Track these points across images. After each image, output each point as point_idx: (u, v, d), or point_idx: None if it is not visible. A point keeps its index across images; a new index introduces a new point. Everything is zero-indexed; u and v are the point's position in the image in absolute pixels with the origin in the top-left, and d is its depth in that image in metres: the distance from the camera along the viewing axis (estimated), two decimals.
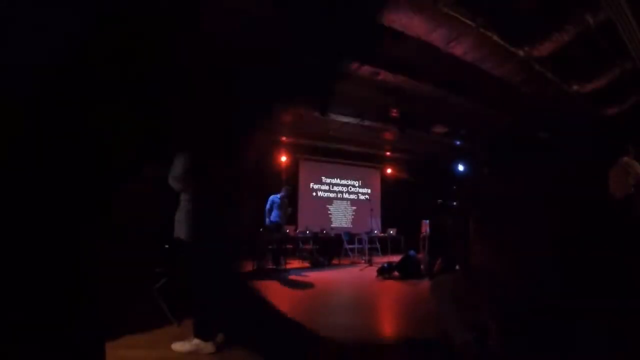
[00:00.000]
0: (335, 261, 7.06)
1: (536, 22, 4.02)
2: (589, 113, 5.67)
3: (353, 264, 7.67)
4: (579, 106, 5.53)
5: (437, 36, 4.18)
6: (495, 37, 4.15)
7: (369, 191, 10.79)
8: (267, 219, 6.60)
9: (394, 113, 7.22)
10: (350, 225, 9.95)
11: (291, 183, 8.96)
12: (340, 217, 10.15)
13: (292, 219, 8.65)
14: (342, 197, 10.26)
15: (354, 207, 10.40)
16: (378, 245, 8.92)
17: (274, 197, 6.72)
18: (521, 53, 4.37)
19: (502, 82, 5.30)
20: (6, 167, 1.10)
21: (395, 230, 8.89)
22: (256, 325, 1.58)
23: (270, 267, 6.28)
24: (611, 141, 5.14)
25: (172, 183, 2.30)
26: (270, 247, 6.36)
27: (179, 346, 2.15)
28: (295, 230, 7.77)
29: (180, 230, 2.26)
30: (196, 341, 2.14)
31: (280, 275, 5.78)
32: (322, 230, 7.97)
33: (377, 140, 9.13)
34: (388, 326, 3.21)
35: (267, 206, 6.69)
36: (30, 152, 1.13)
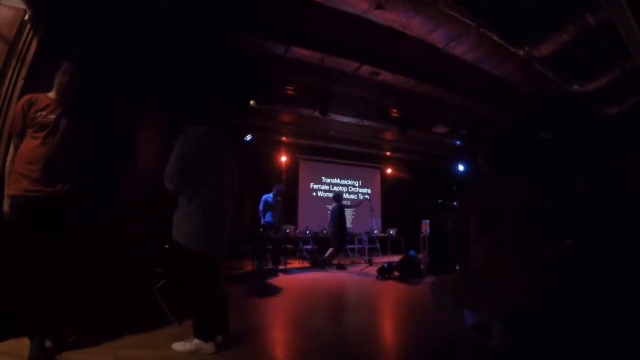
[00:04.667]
0: (335, 261, 7.06)
1: (536, 22, 4.02)
2: (589, 113, 5.67)
3: (353, 264, 7.67)
4: (579, 106, 5.52)
5: (437, 36, 4.18)
6: (495, 37, 4.14)
7: (369, 191, 10.79)
8: (262, 219, 6.59)
9: (394, 113, 7.22)
10: (350, 226, 9.95)
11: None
12: None
13: (292, 219, 8.65)
14: None
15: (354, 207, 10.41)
16: (378, 245, 8.92)
17: (267, 197, 6.68)
18: (521, 53, 4.36)
19: (502, 82, 5.30)
20: None
21: (395, 230, 8.89)
22: None
23: (270, 267, 6.28)
24: (611, 141, 5.14)
25: (165, 183, 2.28)
26: (269, 247, 6.35)
27: (179, 346, 2.15)
28: (295, 230, 7.76)
29: (177, 231, 2.25)
30: (196, 341, 2.14)
31: (280, 275, 5.78)
32: (322, 230, 7.96)
33: (377, 140, 9.13)
34: (388, 326, 3.21)
35: (261, 206, 6.65)
36: None
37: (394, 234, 8.86)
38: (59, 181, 2.08)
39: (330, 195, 10.00)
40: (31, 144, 2.04)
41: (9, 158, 2.07)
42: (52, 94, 2.16)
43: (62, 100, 2.16)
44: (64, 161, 2.11)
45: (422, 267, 5.80)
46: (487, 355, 1.66)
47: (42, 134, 2.05)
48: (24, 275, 1.98)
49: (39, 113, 2.06)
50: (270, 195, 6.69)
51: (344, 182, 10.51)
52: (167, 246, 2.87)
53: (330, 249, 6.99)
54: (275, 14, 4.33)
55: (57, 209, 2.05)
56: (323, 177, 10.21)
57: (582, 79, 4.93)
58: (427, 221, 6.68)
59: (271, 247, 6.38)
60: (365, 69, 5.40)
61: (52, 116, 2.09)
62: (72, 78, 2.15)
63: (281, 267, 6.35)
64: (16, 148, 2.06)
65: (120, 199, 3.34)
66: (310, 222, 8.59)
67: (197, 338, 2.14)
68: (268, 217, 6.57)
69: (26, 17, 2.41)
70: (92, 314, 2.69)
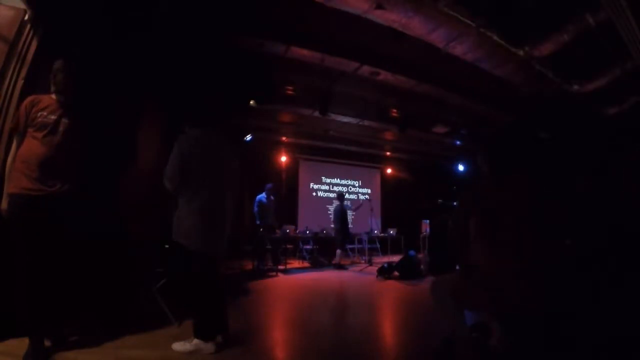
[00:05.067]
0: (335, 261, 7.07)
1: (536, 22, 4.02)
2: (589, 113, 5.67)
3: (353, 263, 7.67)
4: (579, 106, 5.52)
5: (437, 36, 4.17)
6: (495, 37, 4.14)
7: (369, 191, 10.79)
8: (257, 221, 6.56)
9: (394, 113, 7.22)
10: (350, 225, 9.96)
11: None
12: None
13: (292, 219, 8.65)
14: None
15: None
16: (378, 245, 8.92)
17: (260, 197, 6.64)
18: (521, 53, 4.36)
19: (502, 82, 5.29)
20: None
21: (395, 230, 8.89)
22: None
23: (270, 267, 6.28)
24: (611, 141, 5.14)
25: (165, 183, 2.28)
26: (268, 247, 6.35)
27: (179, 346, 2.15)
28: (295, 230, 7.76)
29: (177, 232, 2.25)
30: (196, 341, 2.14)
31: (280, 275, 5.78)
32: (322, 230, 7.96)
33: (377, 140, 9.13)
34: (388, 326, 3.21)
35: (255, 208, 6.60)
36: None
37: (394, 234, 8.85)
38: (59, 181, 2.08)
39: (331, 195, 10.04)
40: (31, 144, 2.04)
41: (9, 157, 2.08)
42: (54, 95, 2.17)
43: (62, 100, 2.16)
44: (64, 161, 2.11)
45: (422, 267, 5.80)
46: (487, 355, 1.67)
47: (41, 134, 2.05)
48: (24, 274, 1.98)
49: (40, 113, 2.07)
50: (264, 195, 6.67)
51: (344, 182, 10.51)
52: (167, 246, 2.87)
53: (338, 251, 7.09)
54: (275, 14, 4.33)
55: (56, 208, 2.05)
56: (323, 177, 10.21)
57: (582, 79, 4.93)
58: (427, 221, 6.68)
59: (270, 247, 6.37)
60: (365, 69, 5.40)
61: (53, 117, 2.10)
62: (67, 75, 2.16)
63: (281, 267, 6.35)
64: (18, 147, 2.07)
65: (120, 199, 3.34)
66: (310, 222, 8.59)
67: (197, 338, 2.14)
68: (264, 218, 6.54)
69: (26, 17, 2.41)
70: (92, 314, 2.69)
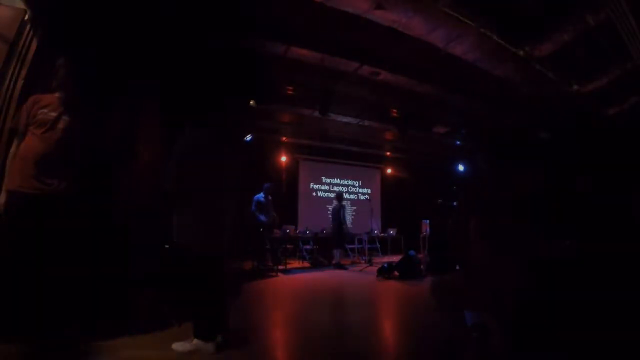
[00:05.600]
0: (335, 260, 7.08)
1: (536, 22, 4.02)
2: (589, 113, 5.67)
3: (353, 263, 7.67)
4: (579, 106, 5.53)
5: (437, 36, 4.18)
6: (495, 37, 4.15)
7: (369, 191, 10.79)
8: (256, 221, 6.53)
9: (394, 113, 7.22)
10: (350, 226, 9.96)
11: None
12: None
13: (292, 219, 8.65)
14: None
15: (354, 207, 10.40)
16: (378, 245, 8.93)
17: (258, 197, 6.61)
18: (521, 53, 4.37)
19: (502, 82, 5.30)
20: None
21: (395, 230, 8.89)
22: None
23: (270, 267, 6.28)
24: (611, 141, 5.14)
25: (165, 183, 2.28)
26: (266, 247, 6.35)
27: (179, 346, 2.15)
28: (295, 230, 7.76)
29: (178, 232, 2.25)
30: (196, 341, 2.14)
31: (280, 275, 5.78)
32: (322, 230, 7.96)
33: (377, 140, 9.13)
34: (388, 326, 3.21)
35: (253, 207, 6.56)
36: None
37: (394, 234, 8.85)
38: (55, 179, 2.08)
39: (331, 195, 10.03)
40: (30, 141, 2.06)
41: (10, 154, 2.08)
42: (57, 93, 2.18)
43: (64, 97, 2.17)
44: (62, 158, 2.11)
45: (422, 267, 5.80)
46: (487, 355, 1.67)
47: (41, 130, 2.06)
48: (21, 274, 1.98)
49: (41, 110, 2.09)
50: (262, 195, 6.65)
51: (344, 182, 10.51)
52: (167, 246, 2.87)
53: (334, 251, 7.13)
54: (275, 14, 4.33)
55: (54, 207, 2.05)
56: (323, 177, 10.21)
57: (582, 79, 4.93)
58: (427, 221, 6.68)
59: (269, 247, 6.37)
60: (365, 69, 5.40)
61: (53, 114, 2.11)
62: (68, 72, 2.16)
63: (281, 267, 6.35)
64: (18, 145, 2.07)
65: (120, 199, 3.34)
66: (310, 222, 8.59)
67: (197, 338, 2.14)
68: (262, 217, 6.53)
69: (26, 17, 2.41)
70: (92, 314, 2.69)
